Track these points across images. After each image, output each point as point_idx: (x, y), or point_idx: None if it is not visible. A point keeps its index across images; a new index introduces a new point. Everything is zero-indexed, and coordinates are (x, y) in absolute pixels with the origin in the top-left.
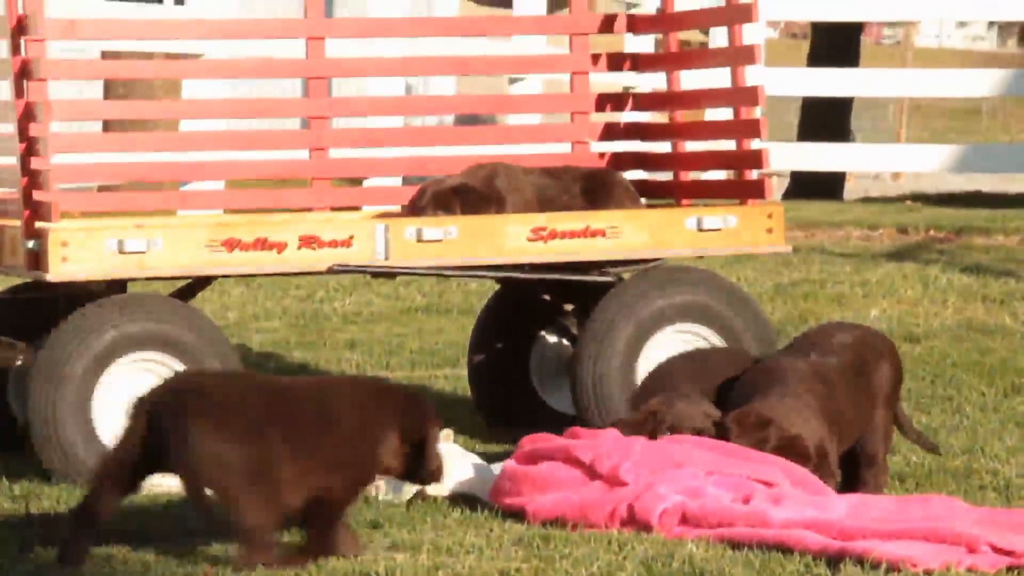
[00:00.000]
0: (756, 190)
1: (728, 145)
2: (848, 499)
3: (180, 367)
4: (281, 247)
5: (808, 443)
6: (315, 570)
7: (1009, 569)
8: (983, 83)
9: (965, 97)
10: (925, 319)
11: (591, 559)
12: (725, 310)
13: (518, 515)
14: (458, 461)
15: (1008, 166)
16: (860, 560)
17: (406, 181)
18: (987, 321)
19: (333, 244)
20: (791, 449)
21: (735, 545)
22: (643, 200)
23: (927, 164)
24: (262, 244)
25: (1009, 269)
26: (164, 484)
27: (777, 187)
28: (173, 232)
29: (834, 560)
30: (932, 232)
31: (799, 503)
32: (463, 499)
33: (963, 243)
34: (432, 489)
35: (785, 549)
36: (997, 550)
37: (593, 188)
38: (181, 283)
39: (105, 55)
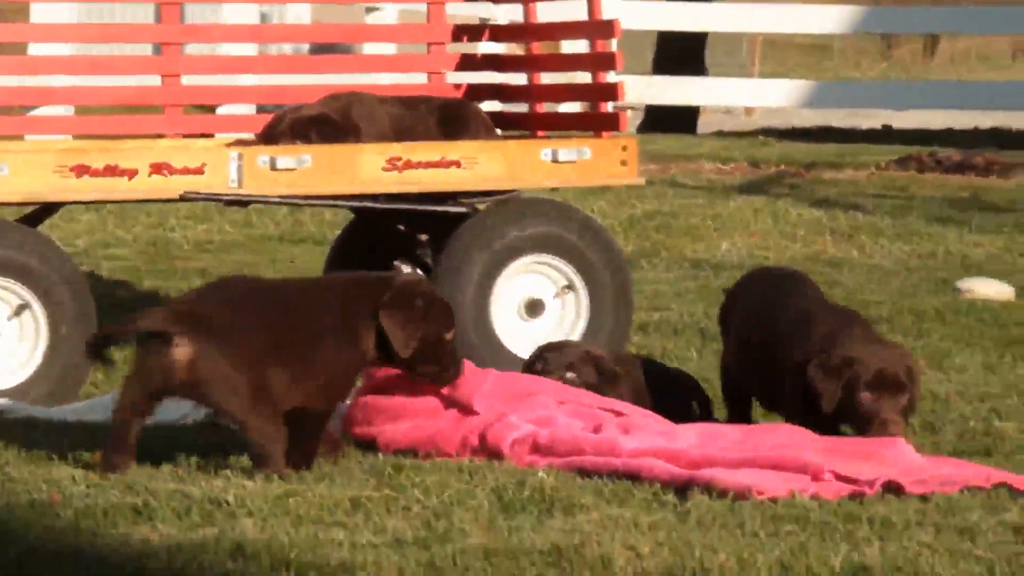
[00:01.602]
0: (611, 123)
1: (584, 78)
2: (696, 428)
3: (28, 294)
4: (132, 174)
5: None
6: (165, 496)
7: (852, 496)
8: (835, 20)
9: (818, 33)
10: (775, 252)
11: (442, 487)
12: (579, 242)
13: (370, 444)
14: None
15: (858, 102)
16: (707, 488)
17: (260, 109)
18: (835, 254)
19: (185, 171)
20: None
21: (585, 474)
22: (499, 131)
23: (779, 99)
24: (112, 170)
25: (857, 203)
26: (14, 410)
27: (632, 120)
28: (21, 157)
29: (682, 488)
30: (783, 166)
31: (648, 432)
32: None
33: (813, 177)
34: None
35: (635, 478)
36: (840, 478)
37: (449, 119)
38: (29, 209)
39: None
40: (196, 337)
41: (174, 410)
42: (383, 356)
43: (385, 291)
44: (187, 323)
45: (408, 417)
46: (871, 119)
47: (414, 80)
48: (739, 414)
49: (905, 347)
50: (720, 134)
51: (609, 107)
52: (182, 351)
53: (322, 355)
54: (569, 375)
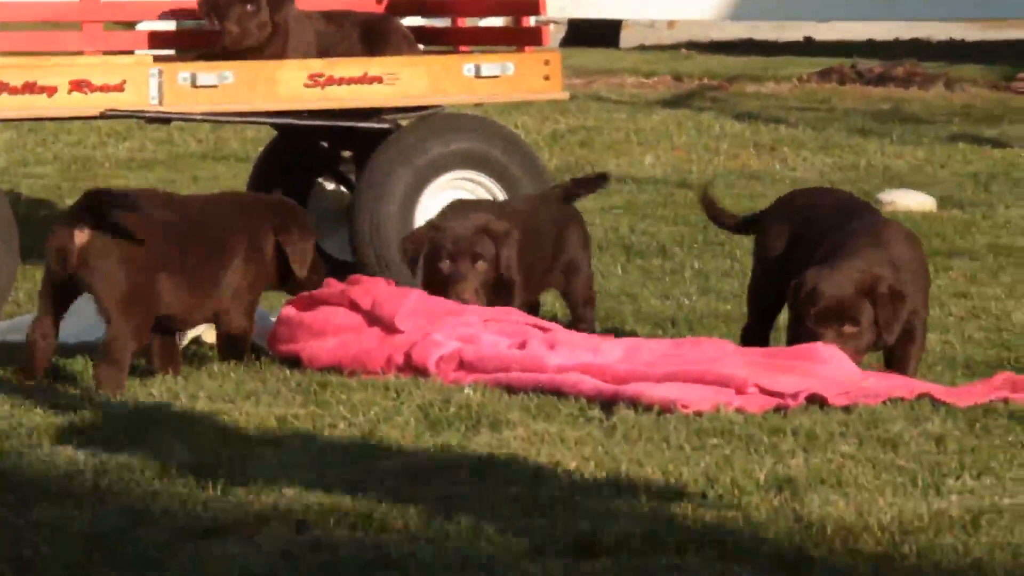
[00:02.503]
0: (534, 37)
1: None
2: (622, 343)
3: None
4: (51, 91)
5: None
6: (90, 415)
7: (776, 409)
8: None
9: None
10: (698, 165)
11: (368, 405)
12: (502, 157)
13: (296, 362)
14: None
15: (780, 14)
16: (633, 403)
17: (179, 24)
18: (758, 167)
19: (105, 88)
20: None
21: (511, 390)
22: (421, 47)
23: (702, 12)
24: (31, 88)
25: (779, 116)
26: None
27: (554, 34)
28: None
29: (608, 403)
30: (705, 80)
31: (574, 348)
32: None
33: (735, 91)
34: (207, 336)
35: (560, 393)
36: (764, 391)
37: (371, 35)
38: None
39: None
40: (95, 227)
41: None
42: (277, 275)
43: (280, 214)
44: (91, 215)
45: (332, 334)
46: (793, 31)
47: None
48: (761, 331)
49: (885, 269)
50: (643, 48)
51: (532, 21)
52: (79, 237)
53: (224, 270)
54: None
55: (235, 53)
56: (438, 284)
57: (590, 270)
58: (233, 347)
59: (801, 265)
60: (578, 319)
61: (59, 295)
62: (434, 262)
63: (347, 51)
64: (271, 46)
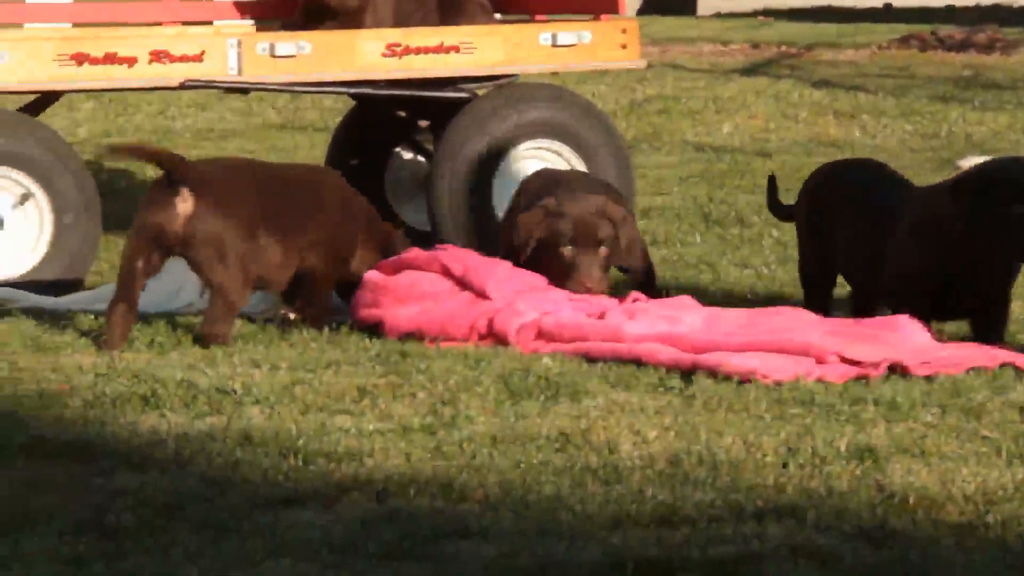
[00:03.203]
0: (610, 5)
1: None
2: (701, 312)
3: (31, 184)
4: (131, 62)
5: None
6: (173, 385)
7: (857, 379)
8: None
9: None
10: (777, 134)
11: (448, 374)
12: (579, 126)
13: (377, 332)
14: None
15: None
16: (712, 372)
17: None
18: (837, 135)
19: (184, 59)
20: None
21: (590, 359)
22: (497, 16)
23: None
24: (112, 59)
25: (858, 83)
26: (15, 300)
27: (631, 2)
28: (21, 45)
29: (687, 373)
30: (784, 47)
31: (652, 317)
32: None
33: (814, 58)
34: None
35: (639, 363)
36: (845, 360)
37: (447, 3)
38: (30, 98)
39: None
40: (200, 194)
41: (181, 299)
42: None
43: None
44: (196, 180)
45: (416, 300)
46: None
47: None
48: (819, 305)
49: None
50: (720, 15)
51: None
52: (182, 205)
53: (315, 233)
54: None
55: (328, 12)
56: (557, 271)
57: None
58: (316, 313)
59: (835, 241)
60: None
61: (146, 267)
62: (553, 247)
63: (424, 20)
64: (354, 12)
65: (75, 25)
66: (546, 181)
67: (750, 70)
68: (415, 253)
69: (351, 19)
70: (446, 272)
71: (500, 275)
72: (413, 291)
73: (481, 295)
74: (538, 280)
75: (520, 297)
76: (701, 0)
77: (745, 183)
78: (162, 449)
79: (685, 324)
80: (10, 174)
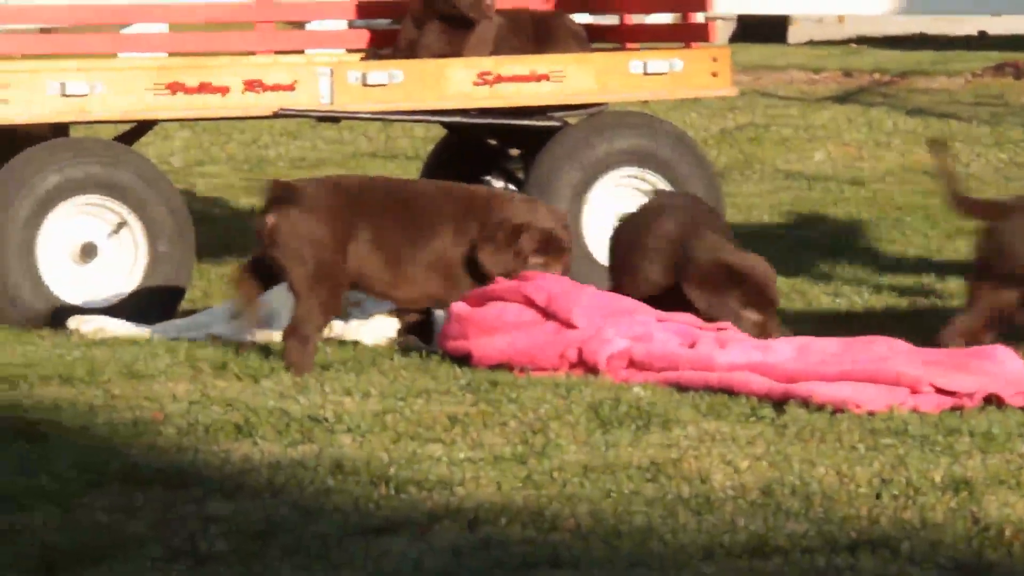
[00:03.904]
0: (701, 33)
1: None
2: (792, 342)
3: (126, 212)
4: (225, 91)
5: None
6: (265, 413)
7: (951, 409)
8: None
9: None
10: (870, 162)
11: (538, 403)
12: (670, 155)
13: (467, 360)
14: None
15: (952, 8)
16: (805, 402)
17: (351, 25)
18: (930, 163)
19: (277, 88)
20: None
21: (681, 388)
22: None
23: (872, 6)
24: (206, 88)
25: (951, 112)
26: (110, 328)
27: (722, 30)
28: (116, 75)
29: (779, 402)
30: (876, 75)
31: (744, 346)
32: (412, 345)
33: (907, 86)
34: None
35: (730, 392)
36: (940, 391)
37: (542, 32)
38: (124, 127)
39: None
40: (284, 207)
41: (274, 326)
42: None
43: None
44: (283, 196)
45: (503, 331)
46: (965, 26)
47: None
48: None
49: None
50: (812, 43)
51: (699, 17)
52: (270, 218)
53: (426, 255)
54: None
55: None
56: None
57: None
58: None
59: None
60: None
61: (262, 267)
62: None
63: (518, 47)
64: (471, 23)
65: (170, 55)
66: (681, 224)
67: (842, 98)
68: (499, 284)
69: (463, 38)
70: (529, 302)
71: (585, 302)
72: (499, 322)
73: (567, 324)
74: (623, 303)
75: (607, 323)
76: (793, 28)
77: (837, 211)
78: (254, 477)
79: (777, 353)
80: (105, 202)
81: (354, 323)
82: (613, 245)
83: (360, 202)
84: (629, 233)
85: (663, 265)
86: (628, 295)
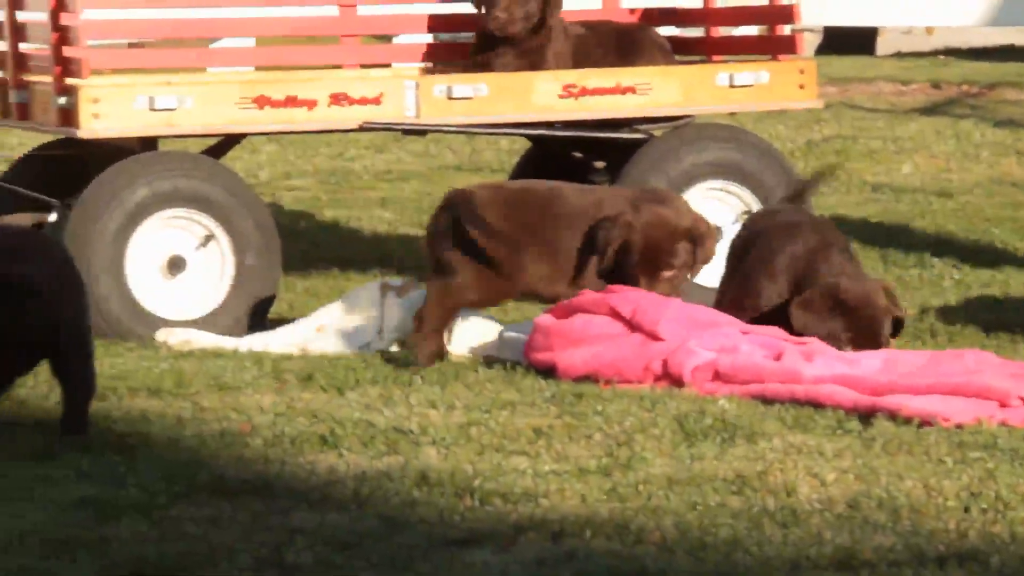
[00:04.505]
0: (788, 45)
1: (760, 0)
2: (879, 354)
3: (213, 225)
4: (311, 104)
5: None
6: (351, 425)
7: None
8: None
9: None
10: (958, 174)
11: (623, 415)
12: (756, 167)
13: (552, 373)
14: (485, 321)
15: None
16: (892, 415)
17: (437, 38)
18: (1020, 176)
19: (363, 101)
20: None
21: (767, 401)
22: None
23: (961, 17)
24: (292, 101)
25: None
26: (197, 340)
27: (809, 42)
28: (204, 89)
29: (866, 415)
30: (964, 87)
31: (830, 359)
32: (497, 358)
33: (996, 97)
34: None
35: (817, 405)
36: None
37: (626, 44)
38: (212, 141)
39: None
40: (439, 210)
41: (358, 338)
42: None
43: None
44: (455, 200)
45: (589, 343)
46: None
47: (588, 5)
48: None
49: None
50: (900, 55)
51: (786, 30)
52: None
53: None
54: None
55: (493, 41)
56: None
57: None
58: None
59: None
60: None
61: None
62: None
63: (601, 59)
64: (531, 41)
65: (257, 69)
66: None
67: (930, 110)
68: (585, 296)
69: (533, 55)
70: (615, 314)
71: (670, 314)
72: (585, 335)
73: (652, 336)
74: (710, 315)
75: (692, 336)
76: (880, 39)
77: (926, 224)
78: (340, 488)
79: (864, 366)
80: (193, 216)
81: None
82: (730, 258)
83: (522, 205)
84: (751, 249)
85: (784, 285)
86: (738, 311)
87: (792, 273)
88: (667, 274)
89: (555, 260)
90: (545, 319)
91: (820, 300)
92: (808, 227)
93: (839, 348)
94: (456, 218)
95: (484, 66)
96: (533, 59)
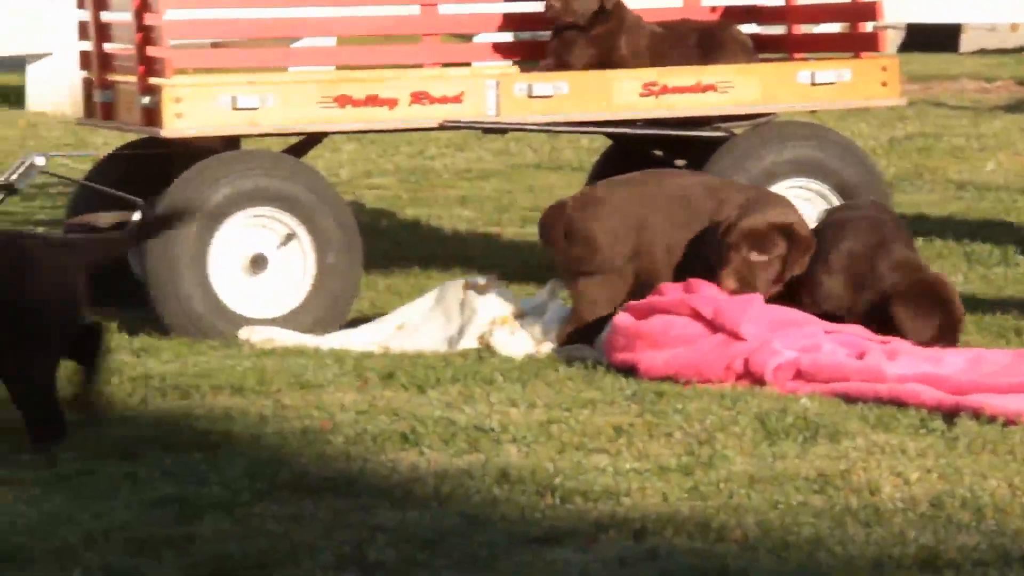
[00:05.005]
0: (870, 43)
1: None
2: (963, 353)
3: (295, 224)
4: (392, 103)
5: None
6: (432, 423)
7: None
8: None
9: None
10: None
11: (704, 414)
12: (838, 165)
13: (631, 371)
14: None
15: None
16: (976, 414)
17: (517, 36)
18: None
19: (444, 100)
20: None
21: (849, 400)
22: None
23: None
24: (373, 100)
25: None
26: (279, 339)
27: (892, 39)
28: (285, 88)
29: (950, 414)
30: None
31: (914, 358)
32: (576, 355)
33: None
34: (543, 347)
35: (900, 404)
36: None
37: (708, 42)
38: (294, 139)
39: None
40: (571, 208)
41: (439, 336)
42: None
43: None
44: (578, 196)
45: (669, 345)
46: None
47: (669, 4)
48: None
49: None
50: (983, 52)
51: (868, 27)
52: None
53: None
54: None
55: (563, 30)
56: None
57: None
58: None
59: None
60: None
61: None
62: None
63: (682, 56)
64: (600, 29)
65: (338, 68)
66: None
67: (1014, 107)
68: (665, 296)
69: (603, 42)
70: (696, 315)
71: (752, 314)
72: (666, 336)
73: (734, 336)
74: (792, 315)
75: (775, 334)
76: (964, 36)
77: (1010, 221)
78: (421, 486)
79: (948, 365)
80: (275, 214)
81: (503, 336)
82: None
83: (648, 199)
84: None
85: (848, 281)
86: (806, 308)
87: (851, 269)
88: (757, 258)
89: (678, 259)
90: (625, 319)
91: (920, 296)
92: (870, 222)
93: (931, 343)
94: (575, 222)
95: (555, 55)
96: (604, 47)
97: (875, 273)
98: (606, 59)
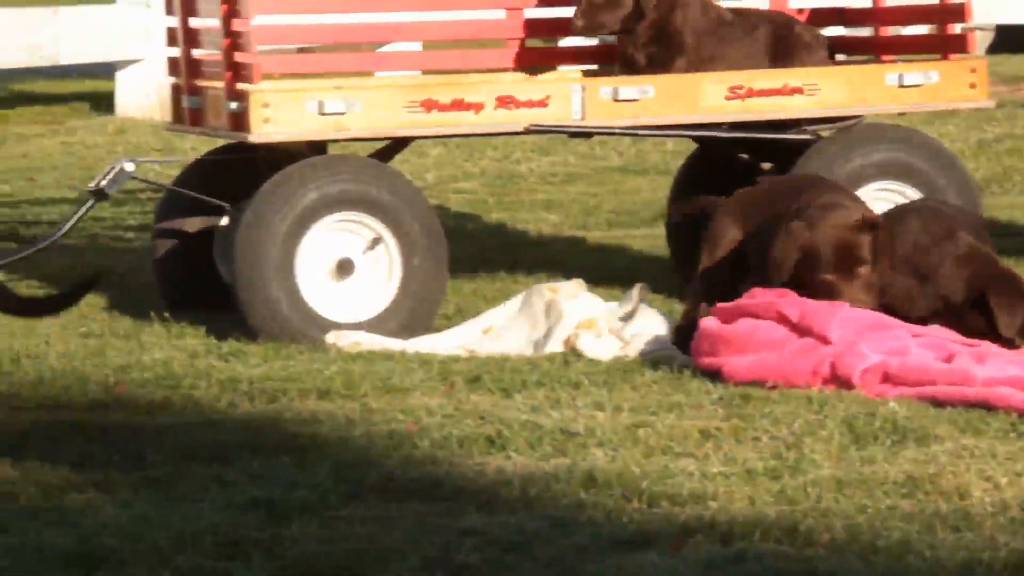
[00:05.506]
0: (959, 44)
1: None
2: None
3: (381, 228)
4: (478, 107)
5: None
6: (518, 427)
7: None
8: None
9: None
10: None
11: (791, 418)
12: (927, 167)
13: (717, 376)
14: (656, 323)
15: None
16: None
17: (602, 40)
18: None
19: (529, 104)
20: None
21: (937, 403)
22: (842, 56)
23: None
24: (459, 105)
25: None
26: (366, 343)
27: (981, 41)
28: (372, 94)
29: None
30: None
31: (1003, 361)
32: (663, 359)
33: None
34: (631, 350)
35: (989, 407)
36: None
37: (777, 42)
38: (380, 144)
39: None
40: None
41: (525, 340)
42: None
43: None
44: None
45: (753, 350)
46: None
47: (755, 4)
48: None
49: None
50: None
51: (957, 28)
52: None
53: None
54: None
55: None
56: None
57: None
58: None
59: None
60: None
61: None
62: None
63: (754, 43)
64: (660, 24)
65: (424, 72)
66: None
67: None
68: (753, 299)
69: (664, 38)
70: (782, 319)
71: (840, 318)
72: (751, 340)
73: (822, 339)
74: (879, 318)
75: (862, 338)
76: None
77: None
78: (508, 489)
79: None
80: (361, 218)
81: (589, 340)
82: None
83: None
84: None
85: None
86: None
87: (912, 262)
88: (861, 271)
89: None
90: (711, 323)
91: (1016, 290)
92: (932, 215)
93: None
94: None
95: (623, 55)
96: (668, 42)
97: (940, 267)
98: (665, 43)
